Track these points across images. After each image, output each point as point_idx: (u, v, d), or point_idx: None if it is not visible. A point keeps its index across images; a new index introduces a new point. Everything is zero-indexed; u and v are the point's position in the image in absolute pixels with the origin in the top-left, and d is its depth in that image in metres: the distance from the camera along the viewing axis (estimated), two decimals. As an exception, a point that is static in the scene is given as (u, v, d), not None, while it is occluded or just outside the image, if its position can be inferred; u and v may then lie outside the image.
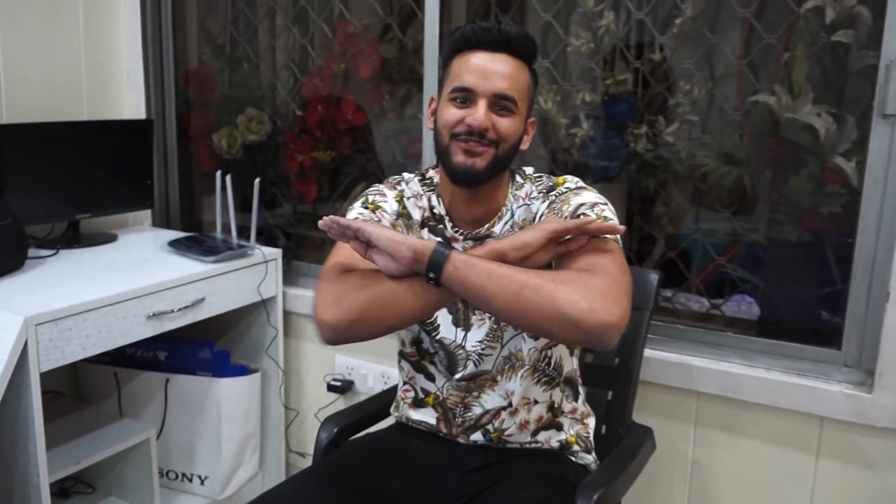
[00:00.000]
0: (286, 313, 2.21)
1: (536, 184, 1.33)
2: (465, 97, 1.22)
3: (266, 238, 2.32)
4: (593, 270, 1.08)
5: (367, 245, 1.12)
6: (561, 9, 1.88)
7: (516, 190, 1.33)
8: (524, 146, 1.30)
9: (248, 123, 2.39)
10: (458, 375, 1.33)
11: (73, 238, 2.13)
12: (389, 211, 1.33)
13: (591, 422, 1.43)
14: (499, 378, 1.33)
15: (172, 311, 1.82)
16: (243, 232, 2.12)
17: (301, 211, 2.41)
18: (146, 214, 2.44)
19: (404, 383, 1.44)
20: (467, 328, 1.32)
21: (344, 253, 1.22)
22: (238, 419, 2.12)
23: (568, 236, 1.13)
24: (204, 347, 2.10)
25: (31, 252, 1.91)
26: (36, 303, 1.59)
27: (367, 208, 1.33)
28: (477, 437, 1.35)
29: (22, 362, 1.51)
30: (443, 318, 1.33)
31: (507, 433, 1.34)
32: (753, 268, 1.79)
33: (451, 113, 1.24)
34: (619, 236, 1.18)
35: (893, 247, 1.48)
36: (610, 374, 1.57)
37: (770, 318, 1.79)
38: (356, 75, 2.24)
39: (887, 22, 1.46)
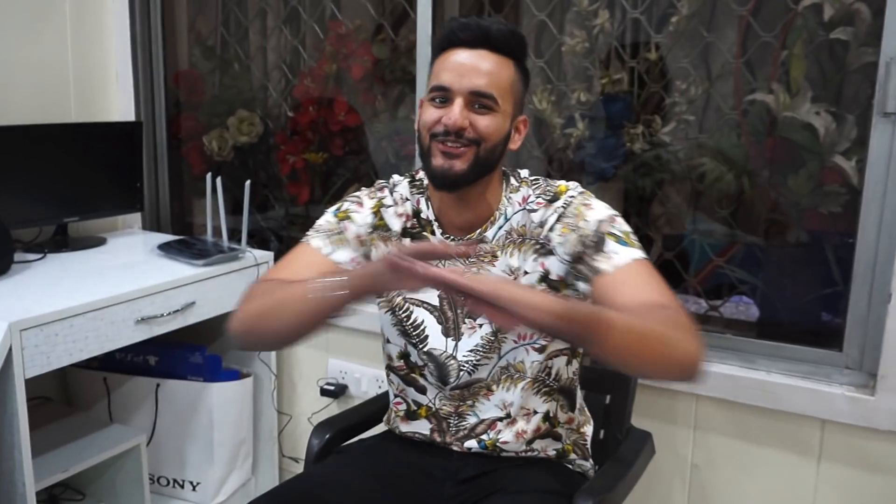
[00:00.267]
0: (278, 317, 2.18)
1: (534, 188, 1.27)
2: (444, 96, 1.19)
3: (258, 241, 2.30)
4: (665, 304, 1.08)
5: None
6: (555, 8, 1.86)
7: (511, 193, 1.28)
8: (514, 145, 1.26)
9: (238, 125, 2.37)
10: (451, 384, 1.30)
11: (61, 242, 2.11)
12: (360, 223, 1.30)
13: (589, 429, 1.40)
14: (494, 388, 1.29)
15: (162, 315, 1.79)
16: (234, 235, 2.10)
17: (293, 213, 2.39)
18: (136, 217, 2.41)
19: (395, 395, 1.40)
20: (458, 338, 1.28)
21: (282, 271, 1.24)
22: (230, 424, 2.09)
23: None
24: (195, 352, 2.08)
25: (18, 256, 1.89)
26: (21, 308, 1.56)
27: (336, 216, 1.31)
28: (471, 444, 1.31)
29: (6, 368, 1.48)
30: (431, 328, 1.29)
31: (502, 441, 1.30)
32: (752, 269, 1.77)
33: (430, 113, 1.20)
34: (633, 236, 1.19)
35: (895, 247, 1.47)
36: (608, 377, 1.54)
37: (769, 319, 1.77)
38: (348, 76, 2.23)
39: (887, 18, 1.44)
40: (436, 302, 1.28)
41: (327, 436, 1.42)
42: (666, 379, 1.12)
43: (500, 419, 1.29)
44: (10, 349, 1.48)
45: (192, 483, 2.13)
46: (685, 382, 1.06)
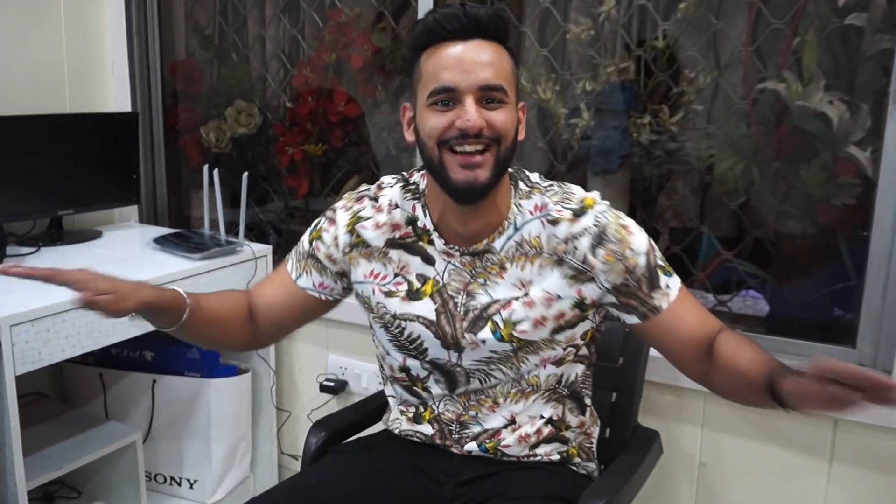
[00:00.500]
0: (277, 312, 2.15)
1: (549, 194, 1.17)
2: (448, 98, 1.07)
3: (257, 234, 2.28)
4: (721, 325, 1.17)
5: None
6: (560, -6, 1.83)
7: (521, 199, 1.18)
8: (521, 136, 1.17)
9: (236, 116, 2.34)
10: (460, 389, 1.24)
11: (56, 235, 2.09)
12: (329, 243, 1.25)
13: (596, 430, 1.36)
14: (502, 401, 1.24)
15: (157, 310, 1.76)
16: (232, 228, 2.07)
17: (292, 206, 2.36)
18: (132, 210, 2.38)
19: (399, 403, 1.34)
20: (459, 350, 1.21)
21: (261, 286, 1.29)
22: (228, 421, 2.07)
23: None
24: (192, 347, 2.05)
25: (11, 250, 1.87)
26: (12, 303, 1.53)
27: (310, 237, 1.28)
28: (472, 447, 1.26)
29: (-4, 365, 1.46)
30: (429, 342, 1.21)
31: (503, 444, 1.25)
32: (762, 262, 1.73)
33: (436, 119, 1.08)
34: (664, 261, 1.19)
35: (911, 240, 1.44)
36: (614, 374, 1.50)
37: (779, 314, 1.73)
38: (348, 66, 2.19)
39: (903, 4, 1.41)
40: (432, 317, 1.21)
41: (324, 435, 1.39)
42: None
43: (505, 426, 1.25)
44: (0, 345, 1.46)
45: (189, 481, 2.10)
46: None
